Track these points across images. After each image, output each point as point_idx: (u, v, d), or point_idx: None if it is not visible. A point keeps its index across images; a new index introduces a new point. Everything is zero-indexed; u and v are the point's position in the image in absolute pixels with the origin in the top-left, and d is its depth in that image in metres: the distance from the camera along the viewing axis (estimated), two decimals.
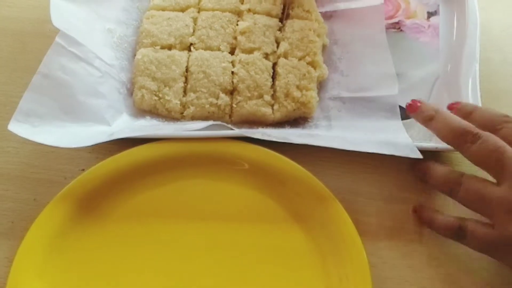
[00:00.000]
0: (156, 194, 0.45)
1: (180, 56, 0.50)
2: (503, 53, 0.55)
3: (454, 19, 0.55)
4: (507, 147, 0.39)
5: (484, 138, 0.39)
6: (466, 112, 0.43)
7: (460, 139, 0.40)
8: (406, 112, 0.45)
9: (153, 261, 0.42)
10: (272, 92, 0.49)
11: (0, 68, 0.53)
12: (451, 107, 0.45)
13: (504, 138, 0.39)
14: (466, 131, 0.40)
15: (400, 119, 0.49)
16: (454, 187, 0.41)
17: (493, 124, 0.41)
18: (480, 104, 0.48)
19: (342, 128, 0.49)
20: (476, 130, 0.40)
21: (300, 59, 0.50)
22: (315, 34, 0.51)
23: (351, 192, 0.47)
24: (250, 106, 0.48)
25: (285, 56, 0.50)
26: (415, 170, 0.47)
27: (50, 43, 0.48)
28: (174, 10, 0.54)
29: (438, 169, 0.44)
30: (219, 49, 0.51)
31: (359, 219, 0.44)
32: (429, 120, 0.43)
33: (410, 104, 0.45)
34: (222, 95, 0.49)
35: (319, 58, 0.51)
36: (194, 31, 0.52)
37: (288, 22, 0.52)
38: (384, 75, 0.51)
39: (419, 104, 0.44)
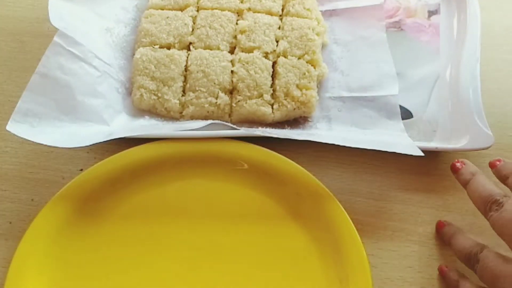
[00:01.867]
0: (155, 194, 0.45)
1: (179, 55, 0.50)
2: (504, 53, 0.55)
3: (455, 18, 0.55)
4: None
5: (506, 207, 0.38)
6: (504, 175, 0.41)
7: (486, 206, 0.39)
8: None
9: (152, 261, 0.42)
10: (271, 91, 0.49)
11: None
12: (492, 165, 0.42)
13: None
14: (493, 198, 0.39)
15: (400, 118, 0.49)
16: (474, 263, 0.40)
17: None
18: (481, 106, 0.48)
19: (342, 127, 0.48)
20: (502, 198, 0.38)
21: (299, 58, 0.50)
22: (314, 33, 0.51)
23: (351, 192, 0.47)
24: (250, 106, 0.48)
25: (284, 55, 0.50)
26: (439, 233, 0.45)
27: (49, 42, 0.48)
28: (173, 9, 0.53)
29: (461, 241, 0.42)
30: (218, 48, 0.51)
31: (359, 219, 0.44)
32: (465, 184, 0.42)
33: (453, 164, 0.43)
34: (221, 94, 0.48)
35: (319, 56, 0.50)
36: (193, 30, 0.52)
37: (287, 20, 0.52)
38: (385, 75, 0.51)
39: (459, 166, 0.43)
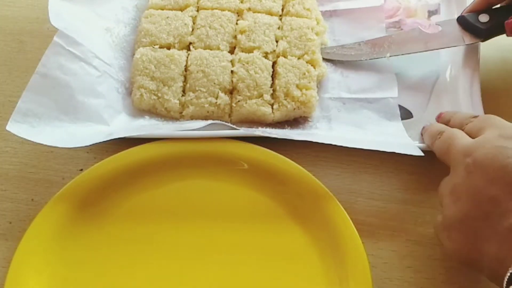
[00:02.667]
0: (155, 194, 0.45)
1: (179, 55, 0.50)
2: (503, 52, 0.55)
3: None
4: (457, 137, 0.40)
5: (444, 133, 0.42)
6: (447, 119, 0.46)
7: (432, 139, 0.44)
8: None
9: (152, 262, 0.42)
10: (271, 91, 0.49)
11: None
12: (438, 116, 0.48)
13: (468, 133, 0.41)
14: (437, 131, 0.44)
15: (400, 119, 0.49)
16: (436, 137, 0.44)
17: (461, 124, 0.43)
18: (481, 105, 0.48)
19: (342, 128, 0.48)
20: (444, 129, 0.43)
21: (299, 58, 0.50)
22: (314, 32, 0.51)
23: (351, 192, 0.46)
24: (250, 106, 0.48)
25: (284, 55, 0.50)
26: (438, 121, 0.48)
27: (49, 42, 0.48)
28: (173, 9, 0.53)
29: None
30: (218, 48, 0.51)
31: (359, 219, 0.44)
32: (422, 135, 0.48)
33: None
34: (221, 94, 0.48)
35: (318, 56, 0.51)
36: (193, 30, 0.52)
37: (286, 20, 0.52)
38: (384, 77, 0.51)
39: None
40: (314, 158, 0.48)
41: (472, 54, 0.51)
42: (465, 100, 0.49)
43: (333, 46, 0.53)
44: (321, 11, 0.55)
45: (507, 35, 0.49)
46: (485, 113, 0.47)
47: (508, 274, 0.32)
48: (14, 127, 0.44)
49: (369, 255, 0.41)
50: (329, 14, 0.56)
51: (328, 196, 0.43)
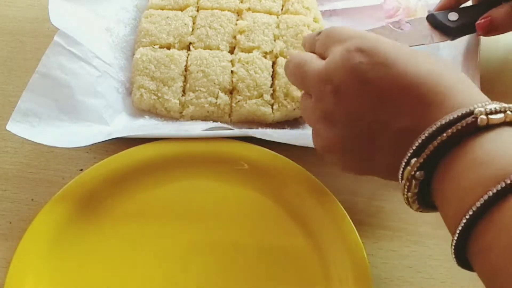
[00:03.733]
0: (155, 195, 0.45)
1: (179, 55, 0.50)
2: (504, 52, 0.55)
3: None
4: (307, 63, 0.39)
5: (291, 61, 0.41)
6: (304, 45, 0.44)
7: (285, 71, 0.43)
8: None
9: (152, 262, 0.42)
10: (271, 92, 0.49)
11: None
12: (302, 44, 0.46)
13: (319, 54, 0.40)
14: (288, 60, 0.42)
15: None
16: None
17: (312, 46, 0.41)
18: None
19: None
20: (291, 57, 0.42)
21: None
22: (310, 29, 0.51)
23: (351, 192, 0.46)
24: (250, 106, 0.48)
25: (282, 55, 0.50)
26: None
27: (49, 42, 0.48)
28: (173, 9, 0.53)
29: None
30: (218, 48, 0.51)
31: (359, 219, 0.44)
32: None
33: None
34: (221, 94, 0.48)
35: None
36: (193, 30, 0.52)
37: (283, 18, 0.52)
38: None
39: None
40: (314, 158, 0.48)
41: (472, 54, 0.51)
42: None
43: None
44: (321, 11, 0.55)
45: (477, 35, 0.49)
46: None
47: (403, 163, 0.32)
48: (14, 127, 0.44)
49: (369, 255, 0.41)
50: (329, 14, 0.56)
51: (328, 196, 0.43)
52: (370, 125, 0.35)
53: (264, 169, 0.45)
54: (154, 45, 0.51)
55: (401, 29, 0.53)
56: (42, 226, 0.42)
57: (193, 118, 0.49)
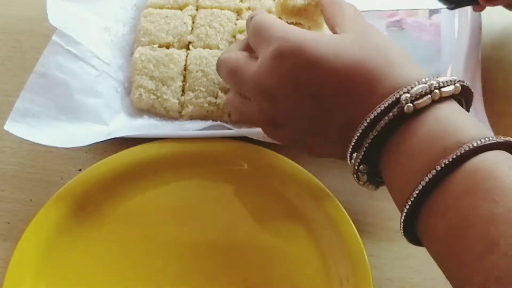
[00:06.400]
0: (154, 195, 0.45)
1: (178, 54, 0.50)
2: (505, 52, 0.55)
3: (456, 18, 0.55)
4: (240, 66, 0.39)
5: (221, 63, 0.42)
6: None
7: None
8: None
9: (152, 262, 0.42)
10: None
11: None
12: None
13: (251, 46, 0.40)
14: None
15: None
16: None
17: (246, 45, 0.42)
18: (482, 105, 0.48)
19: None
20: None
21: None
22: (306, 27, 0.51)
23: (351, 192, 0.46)
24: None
25: None
26: None
27: (47, 41, 0.48)
28: (172, 8, 0.53)
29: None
30: (218, 48, 0.50)
31: (359, 219, 0.44)
32: None
33: None
34: (221, 94, 0.48)
35: None
36: (192, 29, 0.52)
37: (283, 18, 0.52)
38: None
39: None
40: (314, 158, 0.47)
41: (472, 54, 0.51)
42: None
43: None
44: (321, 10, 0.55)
45: (475, 10, 0.48)
46: (487, 114, 0.47)
47: (348, 157, 0.34)
48: (12, 126, 0.43)
49: (369, 256, 0.41)
50: None
51: (328, 196, 0.43)
52: (314, 123, 0.36)
53: (264, 169, 0.45)
54: (153, 44, 0.50)
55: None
56: (41, 226, 0.42)
57: (192, 117, 0.49)
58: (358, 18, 0.38)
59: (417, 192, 0.29)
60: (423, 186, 0.29)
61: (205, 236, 0.43)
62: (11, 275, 0.40)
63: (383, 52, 0.34)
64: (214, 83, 0.48)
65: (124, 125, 0.48)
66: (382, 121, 0.31)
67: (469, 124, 0.31)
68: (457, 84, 0.32)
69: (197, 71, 0.49)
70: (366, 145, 0.32)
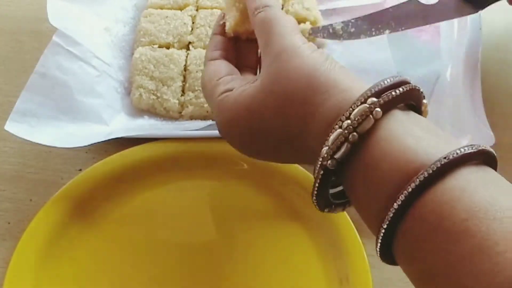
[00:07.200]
0: (154, 195, 0.45)
1: (179, 55, 0.50)
2: (505, 52, 0.55)
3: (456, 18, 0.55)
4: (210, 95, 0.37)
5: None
6: None
7: None
8: None
9: (151, 262, 0.42)
10: None
11: None
12: None
13: None
14: None
15: None
16: None
17: None
18: (482, 105, 0.48)
19: None
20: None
21: None
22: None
23: None
24: None
25: None
26: None
27: (47, 42, 0.48)
28: (172, 8, 0.53)
29: None
30: None
31: (359, 219, 0.44)
32: None
33: None
34: None
35: None
36: (192, 29, 0.52)
37: None
38: (385, 75, 0.51)
39: None
40: None
41: (472, 54, 0.51)
42: (466, 101, 0.49)
43: (326, 26, 0.48)
44: (321, 10, 0.55)
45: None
46: (487, 114, 0.47)
47: (324, 151, 0.29)
48: (13, 126, 0.43)
49: (369, 255, 0.41)
50: (329, 13, 0.56)
51: None
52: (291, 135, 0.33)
53: (264, 169, 0.45)
54: (153, 44, 0.50)
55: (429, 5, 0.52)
56: (41, 226, 0.42)
57: (192, 118, 0.49)
58: (279, 41, 0.33)
59: (381, 235, 0.27)
60: (387, 225, 0.26)
61: (205, 236, 0.43)
62: (11, 275, 0.40)
63: (305, 84, 0.31)
64: None
65: (124, 125, 0.48)
66: (317, 174, 0.29)
67: (426, 138, 0.27)
68: (401, 88, 0.29)
69: (197, 71, 0.49)
70: (322, 172, 0.29)
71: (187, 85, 0.49)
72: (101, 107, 0.48)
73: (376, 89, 0.28)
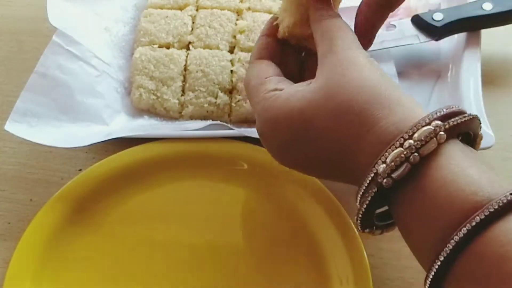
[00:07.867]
0: (154, 195, 0.45)
1: (179, 54, 0.50)
2: (505, 52, 0.55)
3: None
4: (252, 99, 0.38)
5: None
6: None
7: None
8: None
9: (151, 262, 0.42)
10: None
11: None
12: None
13: None
14: None
15: None
16: None
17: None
18: (482, 105, 0.47)
19: None
20: None
21: None
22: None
23: (351, 192, 0.46)
24: (249, 105, 0.48)
25: None
26: None
27: (47, 42, 0.48)
28: (172, 8, 0.53)
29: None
30: (218, 48, 0.50)
31: None
32: None
33: None
34: (221, 94, 0.48)
35: None
36: (192, 29, 0.52)
37: None
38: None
39: None
40: None
41: (473, 54, 0.51)
42: (467, 101, 0.49)
43: None
44: None
45: None
46: (487, 114, 0.47)
47: (372, 175, 0.29)
48: (13, 127, 0.43)
49: (369, 256, 0.41)
50: None
51: (328, 196, 0.43)
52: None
53: (264, 169, 0.45)
54: (153, 44, 0.50)
55: (387, 31, 0.53)
56: (41, 226, 0.42)
57: (192, 117, 0.49)
58: (343, 51, 0.33)
59: (435, 268, 0.26)
60: (444, 257, 0.25)
61: (205, 236, 0.43)
62: (11, 275, 0.40)
63: (367, 96, 0.31)
64: (214, 83, 0.48)
65: (124, 125, 0.48)
66: (364, 199, 0.29)
67: (487, 171, 0.26)
68: (466, 116, 0.28)
69: (197, 71, 0.49)
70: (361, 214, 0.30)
71: (187, 85, 0.49)
72: (101, 107, 0.48)
73: (440, 114, 0.28)
